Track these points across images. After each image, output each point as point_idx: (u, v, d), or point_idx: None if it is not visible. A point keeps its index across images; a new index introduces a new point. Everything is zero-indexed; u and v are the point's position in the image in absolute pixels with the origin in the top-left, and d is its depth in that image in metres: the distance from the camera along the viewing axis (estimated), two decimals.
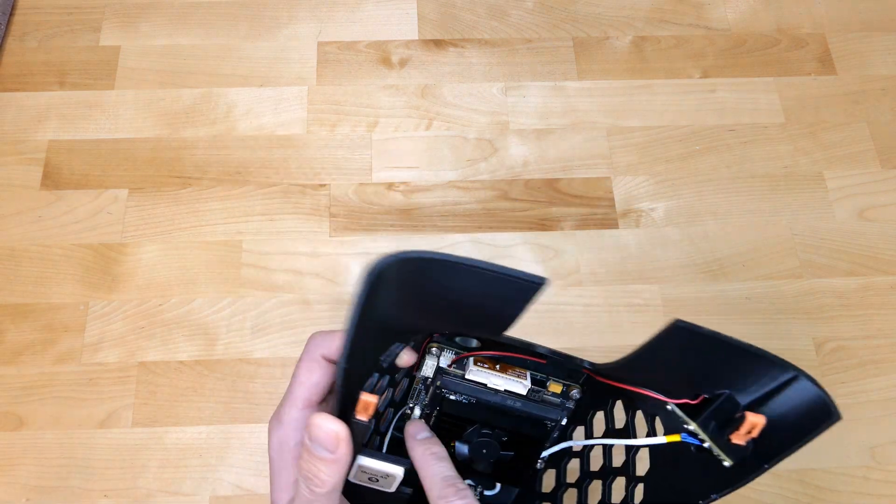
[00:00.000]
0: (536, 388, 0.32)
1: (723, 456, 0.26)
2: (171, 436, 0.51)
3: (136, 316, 0.55)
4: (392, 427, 0.33)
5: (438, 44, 0.67)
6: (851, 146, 0.63)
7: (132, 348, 0.54)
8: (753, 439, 0.25)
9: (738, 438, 0.25)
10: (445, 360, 0.32)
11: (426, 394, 0.33)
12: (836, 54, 0.67)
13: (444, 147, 0.62)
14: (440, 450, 0.29)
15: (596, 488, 0.33)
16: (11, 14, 0.66)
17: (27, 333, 0.54)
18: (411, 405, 0.33)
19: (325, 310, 0.56)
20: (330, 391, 0.28)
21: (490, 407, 0.32)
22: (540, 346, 0.29)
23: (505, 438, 0.33)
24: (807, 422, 0.24)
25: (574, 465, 0.35)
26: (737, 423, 0.25)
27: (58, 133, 0.61)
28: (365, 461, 0.26)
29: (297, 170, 0.61)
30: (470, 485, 0.35)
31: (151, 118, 0.62)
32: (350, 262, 0.57)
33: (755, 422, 0.25)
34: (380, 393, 0.31)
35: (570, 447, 0.35)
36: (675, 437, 0.27)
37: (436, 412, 0.33)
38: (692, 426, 0.27)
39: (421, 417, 0.33)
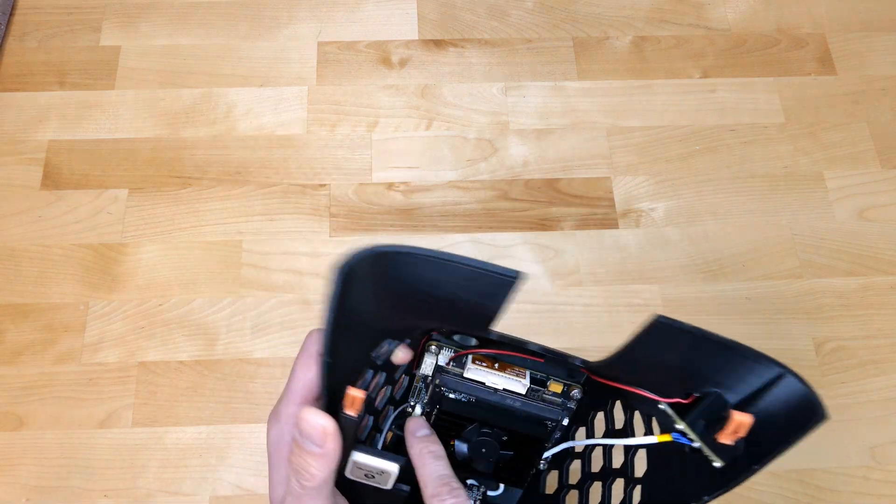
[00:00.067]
0: (536, 387, 0.32)
1: (713, 456, 0.25)
2: (171, 436, 0.51)
3: (136, 316, 0.55)
4: (391, 425, 0.33)
5: (438, 44, 0.67)
6: (851, 146, 0.63)
7: (132, 348, 0.54)
8: (742, 439, 0.24)
9: (726, 438, 0.24)
10: (444, 358, 0.32)
11: (426, 392, 0.33)
12: (836, 54, 0.67)
13: (444, 147, 0.62)
14: (437, 448, 0.29)
15: (598, 490, 0.33)
16: (11, 14, 0.66)
17: (27, 333, 0.54)
18: (412, 403, 0.33)
19: None
20: None
21: (489, 406, 0.32)
22: (532, 343, 0.29)
23: (505, 438, 0.33)
24: (795, 421, 0.23)
25: (576, 467, 0.35)
26: (724, 422, 0.24)
27: (58, 133, 0.61)
28: (359, 457, 0.26)
29: (297, 170, 0.61)
30: (473, 485, 0.35)
31: (151, 118, 0.62)
32: None
33: (742, 421, 0.24)
34: (376, 389, 0.31)
35: (571, 448, 0.35)
36: (667, 437, 0.27)
37: (436, 410, 0.33)
38: (681, 426, 0.26)
39: (422, 415, 0.33)
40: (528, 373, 0.32)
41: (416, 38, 0.67)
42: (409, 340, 0.31)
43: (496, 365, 0.32)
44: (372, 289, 0.23)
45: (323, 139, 0.62)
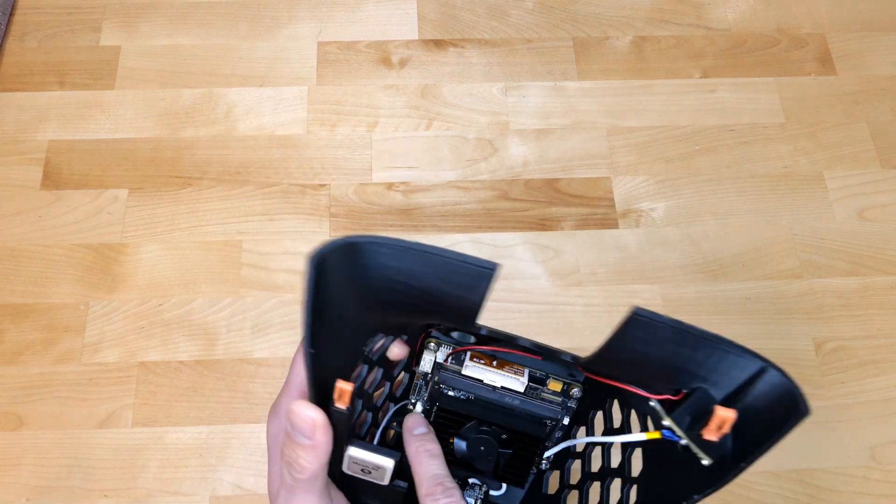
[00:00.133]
0: (535, 385, 0.32)
1: (701, 454, 0.25)
2: (171, 436, 0.51)
3: (136, 316, 0.55)
4: (389, 421, 0.33)
5: (438, 44, 0.67)
6: (851, 146, 0.63)
7: (132, 348, 0.54)
8: (728, 435, 0.24)
9: (710, 434, 0.24)
10: (443, 355, 0.32)
11: (426, 389, 0.33)
12: (836, 54, 0.67)
13: (444, 147, 0.62)
14: (434, 447, 0.29)
15: (597, 490, 0.33)
16: (11, 14, 0.66)
17: (27, 333, 0.54)
18: (413, 400, 0.33)
19: None
20: None
21: (488, 403, 0.32)
22: (523, 338, 0.29)
23: (504, 436, 0.33)
24: (778, 417, 0.23)
25: (577, 467, 0.35)
26: (708, 417, 0.24)
27: (58, 133, 0.61)
28: (354, 451, 0.26)
29: (297, 170, 0.61)
30: (476, 484, 0.35)
31: (151, 118, 0.62)
32: None
33: (725, 416, 0.23)
34: (373, 385, 0.31)
35: (572, 448, 0.35)
36: (656, 434, 0.27)
37: (435, 408, 0.33)
38: (667, 422, 0.26)
39: (422, 413, 0.33)
40: (526, 371, 0.32)
41: (416, 38, 0.67)
42: (405, 336, 0.31)
43: (494, 363, 0.32)
44: (349, 279, 0.23)
45: (323, 139, 0.62)
